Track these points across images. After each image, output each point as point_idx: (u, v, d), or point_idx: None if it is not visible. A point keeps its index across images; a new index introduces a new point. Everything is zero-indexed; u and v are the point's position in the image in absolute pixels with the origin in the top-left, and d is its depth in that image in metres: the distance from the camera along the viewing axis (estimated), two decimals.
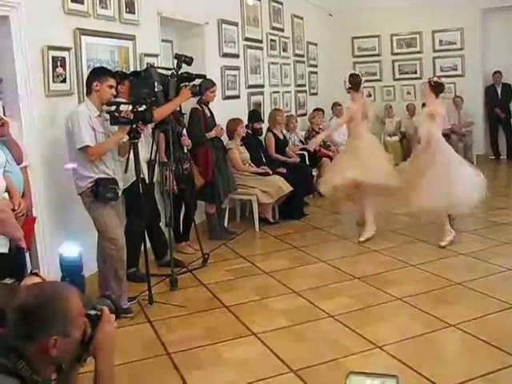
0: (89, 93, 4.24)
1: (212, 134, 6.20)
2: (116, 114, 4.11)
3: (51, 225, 4.50)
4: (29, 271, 2.95)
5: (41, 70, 4.43)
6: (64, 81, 4.63)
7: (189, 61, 5.00)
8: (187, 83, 4.96)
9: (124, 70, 5.10)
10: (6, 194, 3.20)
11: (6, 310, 1.89)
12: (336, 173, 6.16)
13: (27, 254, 3.96)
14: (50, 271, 4.33)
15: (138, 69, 5.33)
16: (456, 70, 11.21)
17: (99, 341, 1.97)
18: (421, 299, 4.32)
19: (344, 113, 7.11)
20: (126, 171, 4.36)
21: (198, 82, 5.14)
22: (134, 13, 5.43)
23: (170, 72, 4.94)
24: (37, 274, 2.26)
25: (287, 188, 7.01)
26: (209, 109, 6.32)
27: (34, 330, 1.79)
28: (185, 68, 5.05)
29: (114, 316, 2.06)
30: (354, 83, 6.33)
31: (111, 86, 4.21)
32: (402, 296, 4.39)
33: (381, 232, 6.38)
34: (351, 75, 6.41)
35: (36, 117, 4.37)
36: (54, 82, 4.51)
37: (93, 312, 1.99)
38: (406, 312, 4.13)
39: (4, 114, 4.25)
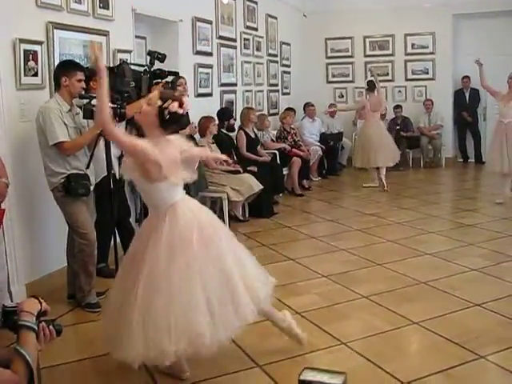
0: (58, 88, 4.23)
1: (186, 131, 6.21)
2: (93, 109, 4.10)
3: (20, 219, 4.48)
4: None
5: (12, 63, 4.40)
6: (36, 74, 4.60)
7: (162, 58, 5.00)
8: (160, 80, 4.98)
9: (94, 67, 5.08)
10: None
11: None
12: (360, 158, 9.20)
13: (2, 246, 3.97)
14: (17, 266, 4.34)
15: (111, 65, 5.32)
16: (427, 73, 11.42)
17: None
18: (386, 297, 4.41)
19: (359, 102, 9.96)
20: (88, 167, 4.32)
21: (170, 79, 5.18)
22: (107, 8, 5.42)
23: (142, 68, 4.94)
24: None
25: (257, 186, 7.06)
26: None
27: None
28: (158, 65, 5.06)
29: None
30: (370, 86, 9.25)
31: (80, 80, 4.20)
32: (367, 294, 4.48)
33: (349, 231, 6.50)
34: (368, 81, 9.48)
35: (6, 110, 4.34)
36: (25, 75, 4.49)
37: None
38: (371, 310, 4.22)
39: None
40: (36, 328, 2.07)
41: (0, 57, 4.28)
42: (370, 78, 9.73)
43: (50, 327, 2.10)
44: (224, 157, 3.84)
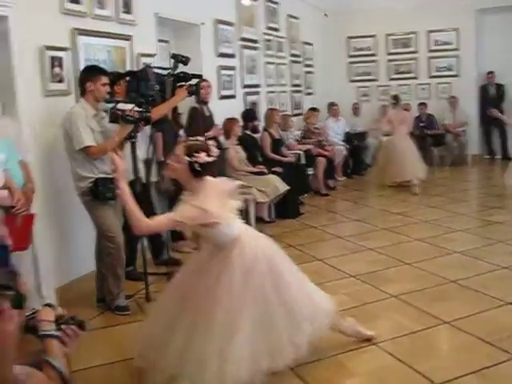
0: (83, 93, 4.27)
1: (210, 133, 6.23)
2: (119, 113, 4.13)
3: (49, 224, 4.52)
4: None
5: (38, 70, 4.46)
6: (61, 81, 4.66)
7: (185, 61, 5.01)
8: (184, 83, 5.00)
9: (119, 71, 5.11)
10: (6, 190, 3.22)
11: None
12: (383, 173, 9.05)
13: (30, 252, 4.02)
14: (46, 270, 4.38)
15: (135, 69, 5.35)
16: (451, 70, 11.29)
17: None
18: (415, 297, 4.36)
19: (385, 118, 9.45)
20: None
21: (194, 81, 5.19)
22: (130, 13, 5.47)
23: (166, 72, 4.96)
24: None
25: (283, 187, 7.05)
26: (208, 108, 6.36)
27: None
28: (181, 68, 5.08)
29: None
30: (395, 101, 9.16)
31: (105, 84, 4.24)
32: (396, 294, 4.44)
33: (376, 231, 6.45)
34: (393, 96, 9.30)
35: (34, 116, 4.40)
36: (51, 81, 4.55)
37: None
38: (401, 309, 4.17)
39: (3, 113, 4.29)
40: (58, 334, 2.07)
41: (27, 64, 4.34)
42: (394, 93, 9.61)
43: (71, 326, 2.08)
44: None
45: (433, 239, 5.91)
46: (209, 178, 3.18)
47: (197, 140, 3.22)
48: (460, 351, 3.51)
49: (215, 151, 3.14)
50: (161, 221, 3.05)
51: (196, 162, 3.02)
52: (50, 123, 4.52)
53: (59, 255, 4.63)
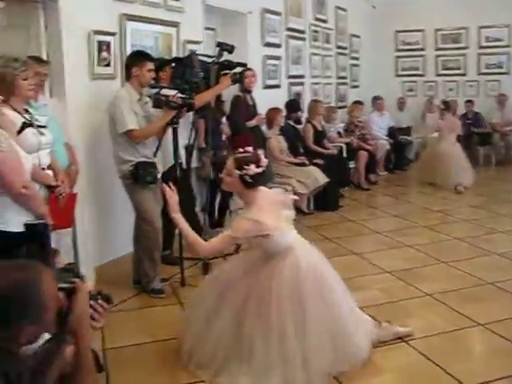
0: (128, 78, 4.34)
1: (253, 122, 6.26)
2: (163, 98, 4.19)
3: (90, 205, 4.63)
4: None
5: (86, 54, 4.55)
6: (108, 65, 4.76)
7: (230, 49, 5.05)
8: (228, 71, 5.03)
9: (164, 57, 5.17)
10: (51, 171, 3.31)
11: None
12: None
13: (70, 231, 4.13)
14: (86, 249, 4.49)
15: (181, 55, 5.41)
16: (501, 67, 11.02)
17: (77, 315, 1.89)
18: (450, 296, 4.31)
19: (435, 125, 9.24)
20: (155, 155, 4.40)
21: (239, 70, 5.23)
22: (178, 0, 5.51)
23: (211, 59, 5.00)
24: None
25: (323, 179, 7.03)
26: (251, 97, 6.38)
27: (5, 321, 1.69)
28: (226, 56, 5.11)
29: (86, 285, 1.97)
30: (446, 107, 9.02)
31: (150, 70, 4.29)
32: (431, 292, 4.39)
33: (415, 227, 6.39)
34: (444, 102, 9.18)
35: (80, 99, 4.50)
36: (98, 65, 4.64)
37: (66, 285, 1.90)
38: (434, 308, 4.13)
39: (51, 96, 4.40)
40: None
41: (75, 48, 4.45)
42: (445, 99, 9.45)
43: (100, 301, 2.11)
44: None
45: (472, 239, 5.81)
46: (262, 189, 3.25)
47: (246, 152, 3.26)
48: (493, 355, 3.45)
49: (264, 161, 3.18)
50: (219, 240, 3.13)
51: (246, 174, 3.09)
52: (95, 106, 4.63)
53: (99, 236, 4.74)
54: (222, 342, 3.17)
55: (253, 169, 3.10)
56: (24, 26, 4.44)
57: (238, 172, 3.11)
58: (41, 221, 2.30)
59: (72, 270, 2.05)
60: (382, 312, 4.02)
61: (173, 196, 3.15)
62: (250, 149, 3.30)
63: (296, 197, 3.57)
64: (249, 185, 3.13)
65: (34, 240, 2.23)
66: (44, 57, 4.32)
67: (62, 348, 1.89)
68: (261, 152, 3.27)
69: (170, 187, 3.18)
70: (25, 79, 3.07)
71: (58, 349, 1.87)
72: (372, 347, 3.41)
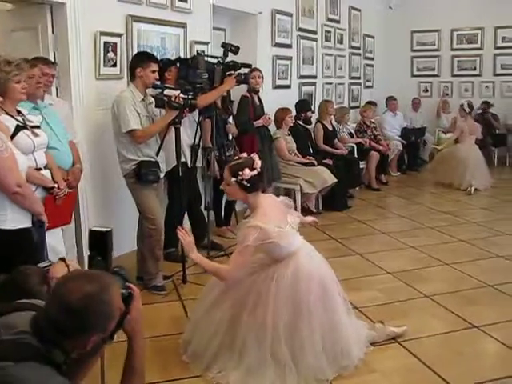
0: (133, 78, 4.41)
1: (259, 122, 6.30)
2: (165, 99, 4.26)
3: (94, 203, 4.72)
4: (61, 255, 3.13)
5: (93, 55, 4.63)
6: (114, 65, 4.83)
7: (235, 50, 5.11)
8: (233, 71, 5.08)
9: (170, 58, 5.23)
10: (48, 171, 3.39)
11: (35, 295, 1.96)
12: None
13: (73, 228, 4.22)
14: None
15: (188, 56, 5.46)
16: None
17: (135, 320, 2.01)
18: (448, 298, 4.33)
19: (456, 128, 9.04)
20: (157, 154, 4.46)
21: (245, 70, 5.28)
22: (185, 1, 5.57)
23: (216, 60, 5.06)
24: (64, 260, 2.33)
25: (331, 179, 7.05)
26: (258, 97, 6.43)
27: (76, 331, 1.77)
28: (232, 57, 5.17)
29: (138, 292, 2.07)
30: (471, 109, 9.03)
31: (154, 71, 4.36)
32: (430, 294, 4.41)
33: (421, 229, 6.39)
34: (469, 104, 9.05)
35: (86, 99, 4.59)
36: (104, 66, 4.72)
37: (125, 291, 2.00)
38: (432, 310, 4.15)
39: (57, 96, 4.50)
40: None
41: (82, 49, 4.53)
42: (469, 101, 9.30)
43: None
44: (311, 219, 3.89)
45: (477, 241, 5.81)
46: (266, 195, 3.36)
47: (239, 158, 3.35)
48: (484, 357, 3.49)
49: (259, 163, 3.24)
50: (236, 255, 3.18)
51: (243, 179, 3.16)
52: (101, 106, 4.70)
53: None
54: (217, 333, 3.25)
55: (247, 173, 3.16)
56: (32, 27, 4.54)
57: (234, 179, 3.19)
58: (107, 229, 2.33)
59: (120, 273, 2.13)
60: (379, 313, 4.05)
61: (186, 237, 3.23)
62: (243, 155, 3.39)
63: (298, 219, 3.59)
64: (248, 189, 3.20)
65: (98, 248, 2.27)
66: (51, 58, 4.41)
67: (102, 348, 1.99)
68: (255, 155, 3.32)
69: (182, 228, 3.27)
70: (18, 82, 3.12)
71: (100, 347, 1.96)
72: (365, 349, 3.45)
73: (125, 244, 4.89)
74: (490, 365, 3.37)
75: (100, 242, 2.30)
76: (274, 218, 3.21)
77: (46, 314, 1.78)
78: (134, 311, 2.00)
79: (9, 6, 4.63)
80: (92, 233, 2.34)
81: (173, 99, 4.26)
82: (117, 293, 1.88)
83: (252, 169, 3.19)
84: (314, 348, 3.16)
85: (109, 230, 2.35)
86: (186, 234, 3.23)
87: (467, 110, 8.93)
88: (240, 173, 3.16)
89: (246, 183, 3.17)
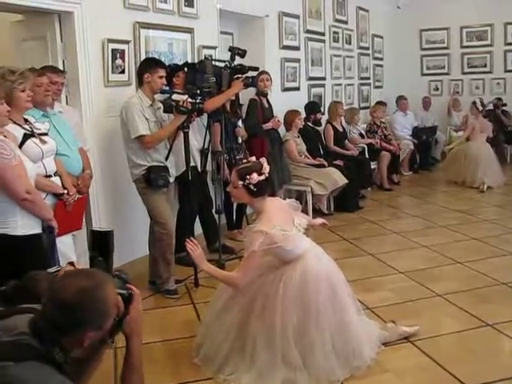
0: (140, 84, 4.46)
1: (269, 125, 6.32)
2: (173, 104, 4.29)
3: (106, 209, 4.76)
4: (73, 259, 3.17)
5: (101, 62, 4.67)
6: (123, 72, 4.86)
7: (242, 53, 5.13)
8: (240, 75, 5.10)
9: (177, 63, 5.25)
10: (58, 177, 3.43)
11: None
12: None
13: (85, 234, 4.25)
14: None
15: (196, 61, 5.49)
16: None
17: (134, 321, 2.03)
18: (461, 297, 4.30)
19: (468, 125, 9.00)
20: (167, 159, 4.49)
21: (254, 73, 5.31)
22: (192, 6, 5.59)
23: (223, 64, 5.08)
24: (73, 264, 2.34)
25: (342, 180, 7.04)
26: (267, 100, 6.44)
27: (71, 326, 1.80)
28: (239, 60, 5.19)
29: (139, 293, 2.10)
30: (483, 107, 9.06)
31: (161, 77, 4.39)
32: (442, 293, 4.39)
33: (433, 228, 6.36)
34: (482, 102, 9.06)
35: (95, 106, 4.63)
36: (112, 72, 4.75)
37: (124, 292, 2.03)
38: (444, 309, 4.13)
39: (67, 104, 4.55)
40: None
41: (90, 56, 4.57)
42: (477, 99, 9.27)
43: None
44: (320, 221, 3.88)
45: (490, 239, 5.78)
46: (272, 199, 3.36)
47: (248, 162, 3.37)
48: (498, 355, 3.46)
49: (267, 168, 3.25)
50: (246, 261, 3.20)
51: (250, 183, 3.17)
52: (111, 113, 4.74)
53: (116, 238, 4.82)
54: (228, 337, 3.26)
55: (255, 177, 3.17)
56: (41, 37, 4.58)
57: (241, 182, 3.19)
58: (109, 229, 2.35)
59: (120, 277, 2.15)
60: (391, 312, 4.04)
61: (195, 250, 3.23)
62: (252, 158, 3.40)
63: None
64: (255, 193, 3.21)
65: (100, 248, 2.30)
66: (60, 66, 4.46)
67: (104, 348, 2.05)
68: (264, 160, 3.33)
69: (191, 241, 3.27)
70: (23, 91, 3.15)
71: (101, 348, 2.03)
72: (377, 348, 3.45)
73: (138, 249, 4.94)
74: (504, 363, 3.34)
75: (101, 242, 2.30)
76: (280, 221, 3.21)
77: (43, 312, 1.83)
78: (133, 311, 2.03)
79: (19, 16, 4.68)
80: (93, 233, 2.35)
81: (181, 104, 4.29)
82: (112, 291, 1.91)
83: (260, 174, 3.21)
84: (324, 348, 3.16)
85: (110, 230, 2.35)
86: (195, 247, 3.23)
87: (480, 107, 8.90)
88: (248, 177, 3.18)
89: (252, 187, 3.19)
